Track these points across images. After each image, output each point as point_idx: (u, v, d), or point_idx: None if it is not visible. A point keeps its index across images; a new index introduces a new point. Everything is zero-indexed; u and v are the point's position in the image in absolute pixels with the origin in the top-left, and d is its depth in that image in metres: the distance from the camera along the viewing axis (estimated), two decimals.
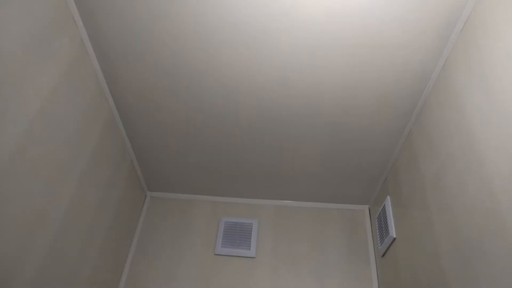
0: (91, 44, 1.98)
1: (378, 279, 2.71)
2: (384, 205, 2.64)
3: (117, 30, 1.90)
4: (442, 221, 1.83)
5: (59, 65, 1.76)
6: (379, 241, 2.70)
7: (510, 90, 1.37)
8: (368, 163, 2.64)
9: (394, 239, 2.43)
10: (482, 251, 1.47)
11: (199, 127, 2.45)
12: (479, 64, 1.59)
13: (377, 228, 2.77)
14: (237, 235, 2.93)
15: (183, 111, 2.34)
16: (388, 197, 2.61)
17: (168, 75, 2.12)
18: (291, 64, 2.00)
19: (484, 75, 1.55)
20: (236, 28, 1.85)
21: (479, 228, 1.50)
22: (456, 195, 1.71)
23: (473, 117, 1.61)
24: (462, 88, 1.72)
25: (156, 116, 2.40)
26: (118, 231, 2.64)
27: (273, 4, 1.74)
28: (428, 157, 2.04)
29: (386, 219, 2.57)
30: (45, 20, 1.63)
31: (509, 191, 1.33)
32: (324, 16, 1.77)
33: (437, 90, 1.96)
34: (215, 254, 2.84)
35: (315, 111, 2.26)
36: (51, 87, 1.72)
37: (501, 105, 1.42)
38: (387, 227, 2.53)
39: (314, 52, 1.93)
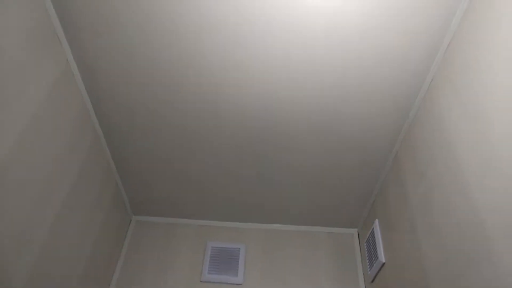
0: (76, 63, 1.96)
1: None
2: (373, 229, 2.61)
3: (103, 49, 1.90)
4: (431, 245, 1.80)
5: (43, 85, 1.74)
6: (368, 266, 2.65)
7: (493, 113, 1.38)
8: (357, 186, 2.62)
9: (383, 264, 2.39)
10: (471, 275, 1.45)
11: (185, 150, 2.43)
12: (462, 88, 1.61)
13: (366, 252, 2.73)
14: (224, 260, 2.86)
15: (169, 134, 2.32)
16: (377, 220, 2.58)
17: (155, 97, 2.11)
18: (279, 83, 2.01)
19: (467, 99, 1.56)
20: (227, 53, 1.86)
21: (467, 252, 1.48)
22: (444, 218, 1.70)
23: (457, 140, 1.62)
24: (446, 111, 1.73)
25: (142, 138, 2.37)
26: (102, 256, 2.55)
27: (266, 11, 1.75)
28: (415, 179, 2.04)
29: (375, 243, 2.53)
30: (29, 38, 1.62)
31: (495, 214, 1.32)
32: (310, 40, 1.79)
33: (422, 114, 1.98)
34: (201, 281, 2.76)
35: (303, 133, 2.25)
36: (34, 107, 1.69)
37: (485, 128, 1.42)
38: (376, 252, 2.49)
39: (304, 68, 1.94)
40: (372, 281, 2.58)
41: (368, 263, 2.66)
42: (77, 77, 2.01)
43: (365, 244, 2.79)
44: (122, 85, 2.06)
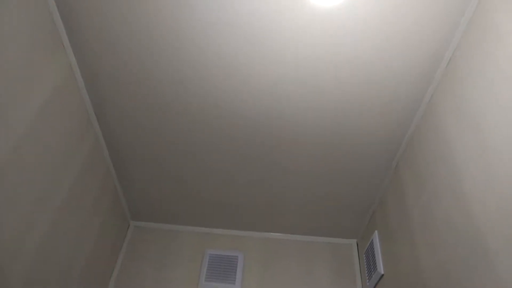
0: (79, 69, 1.97)
1: None
2: (372, 240, 2.60)
3: (106, 56, 1.90)
4: (430, 257, 1.79)
5: (45, 90, 1.74)
6: (367, 278, 2.63)
7: (493, 126, 1.38)
8: (356, 196, 2.62)
9: (382, 275, 2.38)
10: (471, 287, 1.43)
11: (185, 157, 2.43)
12: (463, 101, 1.61)
13: (365, 263, 2.71)
14: (222, 268, 2.84)
15: (169, 141, 2.32)
16: (376, 231, 2.57)
17: (156, 105, 2.11)
18: (281, 95, 2.01)
19: (468, 112, 1.56)
20: (229, 66, 1.86)
21: (467, 266, 1.47)
22: (443, 230, 1.69)
23: (458, 153, 1.61)
24: (448, 124, 1.73)
25: (142, 145, 2.37)
26: (99, 261, 2.54)
27: (266, 26, 1.76)
28: (415, 191, 2.03)
29: (374, 254, 2.52)
30: (32, 43, 1.62)
31: (495, 228, 1.32)
32: (313, 60, 1.79)
33: (423, 126, 1.98)
34: None
35: (303, 142, 2.25)
36: (36, 111, 1.69)
37: (485, 141, 1.42)
38: (375, 263, 2.48)
39: (305, 82, 1.94)
40: None
41: (367, 274, 2.64)
42: (80, 83, 2.01)
43: (364, 255, 2.77)
44: (124, 92, 2.06)
